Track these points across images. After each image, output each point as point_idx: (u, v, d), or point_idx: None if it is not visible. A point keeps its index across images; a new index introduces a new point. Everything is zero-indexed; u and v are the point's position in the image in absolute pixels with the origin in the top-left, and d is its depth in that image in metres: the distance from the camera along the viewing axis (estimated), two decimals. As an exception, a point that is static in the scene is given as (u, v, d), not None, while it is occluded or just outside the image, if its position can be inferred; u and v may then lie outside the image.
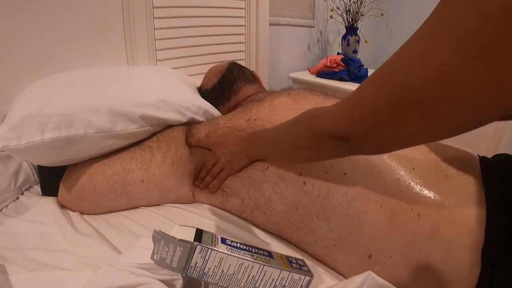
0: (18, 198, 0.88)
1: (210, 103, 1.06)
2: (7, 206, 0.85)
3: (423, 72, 0.35)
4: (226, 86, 1.09)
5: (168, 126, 0.93)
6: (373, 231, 0.62)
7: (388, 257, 0.60)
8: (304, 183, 0.70)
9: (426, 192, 0.61)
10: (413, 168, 0.66)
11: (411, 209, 0.60)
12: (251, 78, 1.14)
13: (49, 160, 0.79)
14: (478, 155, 0.69)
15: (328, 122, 0.50)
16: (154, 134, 0.91)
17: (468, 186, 0.60)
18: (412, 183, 0.64)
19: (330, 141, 0.50)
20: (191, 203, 0.88)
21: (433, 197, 0.60)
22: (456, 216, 0.57)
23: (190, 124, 0.95)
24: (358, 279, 0.56)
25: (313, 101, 0.88)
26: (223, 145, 0.82)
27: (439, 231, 0.57)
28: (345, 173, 0.68)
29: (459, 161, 0.67)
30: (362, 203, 0.64)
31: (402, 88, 0.37)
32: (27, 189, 0.93)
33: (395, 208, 0.61)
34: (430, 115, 0.36)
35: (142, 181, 0.82)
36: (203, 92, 1.14)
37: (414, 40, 0.37)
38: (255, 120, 0.84)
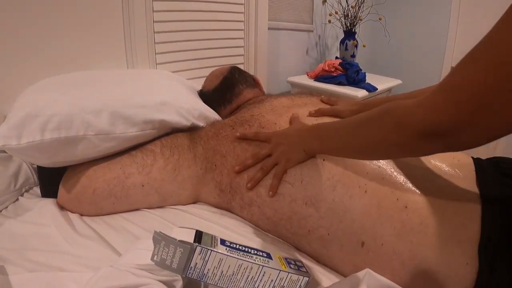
0: (17, 199, 0.89)
1: (212, 105, 1.07)
2: (6, 207, 0.85)
3: None
4: (228, 88, 1.10)
5: (170, 129, 0.94)
6: (362, 217, 0.63)
7: (380, 245, 0.61)
8: (286, 171, 0.73)
9: (411, 184, 0.62)
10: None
11: (397, 199, 0.62)
12: (252, 82, 1.15)
13: (49, 160, 0.80)
14: (472, 157, 0.70)
15: (422, 116, 0.44)
16: (156, 138, 0.91)
17: (460, 182, 0.62)
18: (394, 172, 0.66)
19: (424, 139, 0.45)
20: (193, 203, 0.88)
21: (420, 190, 0.61)
22: (448, 211, 0.58)
23: (192, 130, 0.95)
24: (356, 277, 0.57)
25: (307, 99, 0.92)
26: (282, 135, 0.76)
27: (429, 225, 0.58)
28: (323, 159, 0.71)
29: (452, 160, 0.68)
30: (346, 188, 0.66)
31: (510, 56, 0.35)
32: (26, 191, 0.93)
33: (380, 196, 0.63)
34: None
35: (143, 185, 0.82)
36: (205, 94, 1.15)
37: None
38: (258, 114, 0.86)
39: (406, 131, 0.47)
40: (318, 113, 0.86)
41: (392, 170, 0.66)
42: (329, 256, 0.68)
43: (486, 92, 0.38)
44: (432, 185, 0.62)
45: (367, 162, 0.68)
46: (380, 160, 0.68)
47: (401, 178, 0.64)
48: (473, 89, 0.39)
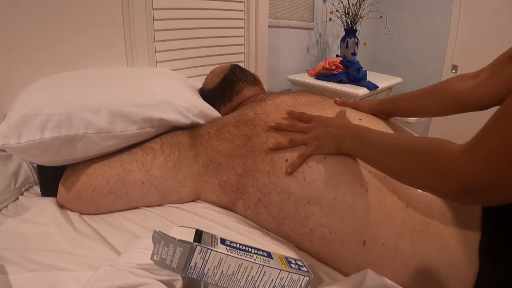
0: (17, 198, 0.88)
1: (212, 103, 1.07)
2: (6, 206, 0.85)
3: None
4: (229, 86, 1.10)
5: (170, 127, 0.94)
6: (364, 216, 0.63)
7: (381, 244, 0.61)
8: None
9: None
10: None
11: (398, 198, 0.62)
12: (253, 80, 1.15)
13: (49, 159, 0.79)
14: None
15: (463, 171, 0.43)
16: (156, 136, 0.91)
17: None
18: None
19: (462, 193, 0.44)
20: (193, 201, 0.88)
21: (420, 190, 0.61)
22: (449, 210, 0.58)
23: (193, 127, 0.95)
24: (357, 277, 0.56)
25: (311, 98, 0.91)
26: (323, 122, 0.74)
27: (431, 224, 0.58)
28: (325, 157, 0.70)
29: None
30: (348, 186, 0.66)
31: None
32: (26, 190, 0.93)
33: (381, 195, 0.63)
34: None
35: (142, 182, 0.82)
36: (205, 92, 1.14)
37: None
38: (262, 113, 0.85)
39: (445, 180, 0.45)
40: (342, 103, 0.87)
41: None
42: (331, 255, 0.68)
43: None
44: None
45: None
46: None
47: None
48: (510, 150, 0.38)
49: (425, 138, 0.54)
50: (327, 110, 0.82)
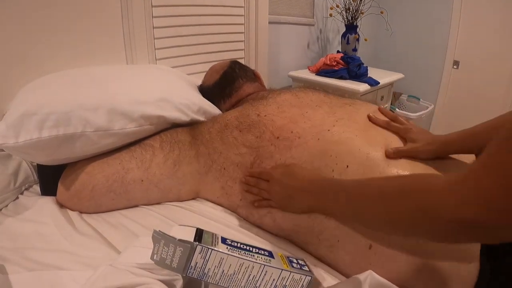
0: (17, 198, 0.88)
1: (211, 99, 1.06)
2: (6, 206, 0.84)
3: None
4: (228, 82, 1.09)
5: (170, 125, 0.93)
6: None
7: (387, 244, 0.60)
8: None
9: None
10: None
11: None
12: (253, 76, 1.14)
13: (47, 158, 0.79)
14: None
15: (454, 208, 0.37)
16: (156, 133, 0.90)
17: None
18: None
19: (459, 231, 0.39)
20: (193, 199, 0.88)
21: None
22: None
23: (193, 125, 0.94)
24: (358, 278, 0.56)
25: (315, 96, 0.87)
26: (280, 182, 0.70)
27: None
28: (347, 166, 0.67)
29: (457, 167, 0.67)
30: None
31: None
32: (26, 189, 0.93)
33: None
34: None
35: (142, 180, 0.82)
36: (205, 88, 1.14)
37: None
38: (265, 116, 0.82)
39: (436, 219, 0.40)
40: (397, 156, 0.69)
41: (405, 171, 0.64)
42: (335, 259, 0.68)
43: None
44: None
45: (380, 168, 0.65)
46: (392, 161, 0.66)
47: None
48: (509, 181, 0.33)
49: (402, 177, 0.50)
50: (338, 113, 0.78)
